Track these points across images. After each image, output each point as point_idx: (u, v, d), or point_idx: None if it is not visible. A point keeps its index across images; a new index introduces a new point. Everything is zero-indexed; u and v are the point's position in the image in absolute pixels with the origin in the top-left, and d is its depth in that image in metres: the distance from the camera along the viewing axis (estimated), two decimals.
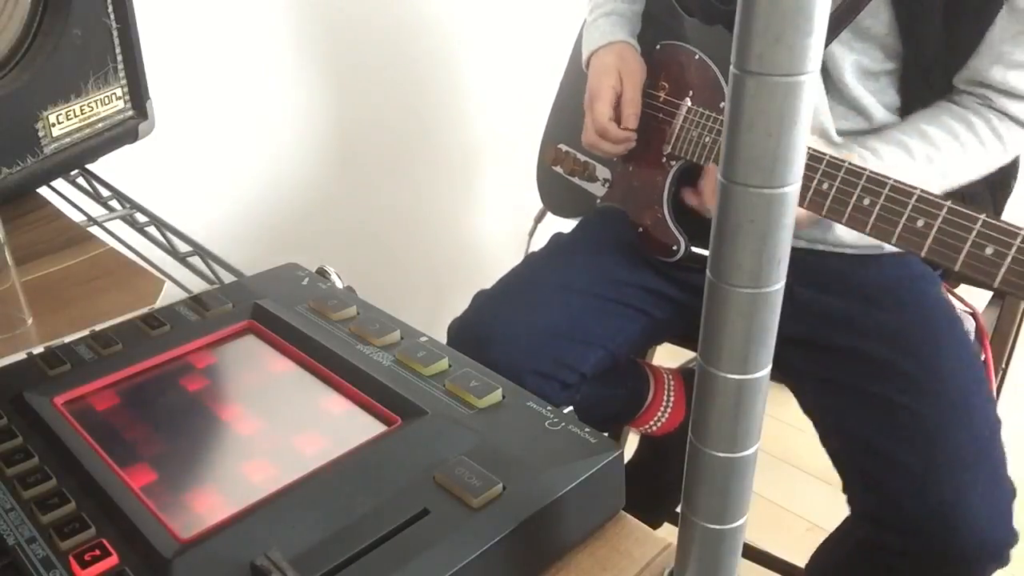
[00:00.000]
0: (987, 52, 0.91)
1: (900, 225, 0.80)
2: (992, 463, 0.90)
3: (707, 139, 1.01)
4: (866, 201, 0.82)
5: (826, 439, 1.01)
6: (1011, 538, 0.88)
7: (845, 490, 0.98)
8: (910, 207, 0.79)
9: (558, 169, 1.25)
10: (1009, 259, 0.73)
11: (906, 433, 0.91)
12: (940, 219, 0.77)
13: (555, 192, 1.30)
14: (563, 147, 1.24)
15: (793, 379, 1.04)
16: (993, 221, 0.75)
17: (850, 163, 0.84)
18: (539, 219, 1.45)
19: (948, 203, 0.77)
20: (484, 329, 1.04)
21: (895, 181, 0.81)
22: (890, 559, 0.92)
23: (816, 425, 1.03)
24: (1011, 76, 0.91)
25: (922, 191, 0.79)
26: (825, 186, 0.85)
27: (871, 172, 0.82)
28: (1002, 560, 0.88)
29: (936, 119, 0.95)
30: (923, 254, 0.79)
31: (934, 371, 0.93)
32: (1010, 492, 0.90)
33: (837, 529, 1.03)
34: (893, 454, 0.90)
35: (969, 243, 0.76)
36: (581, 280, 1.08)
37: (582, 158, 1.20)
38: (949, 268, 0.79)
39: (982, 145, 0.94)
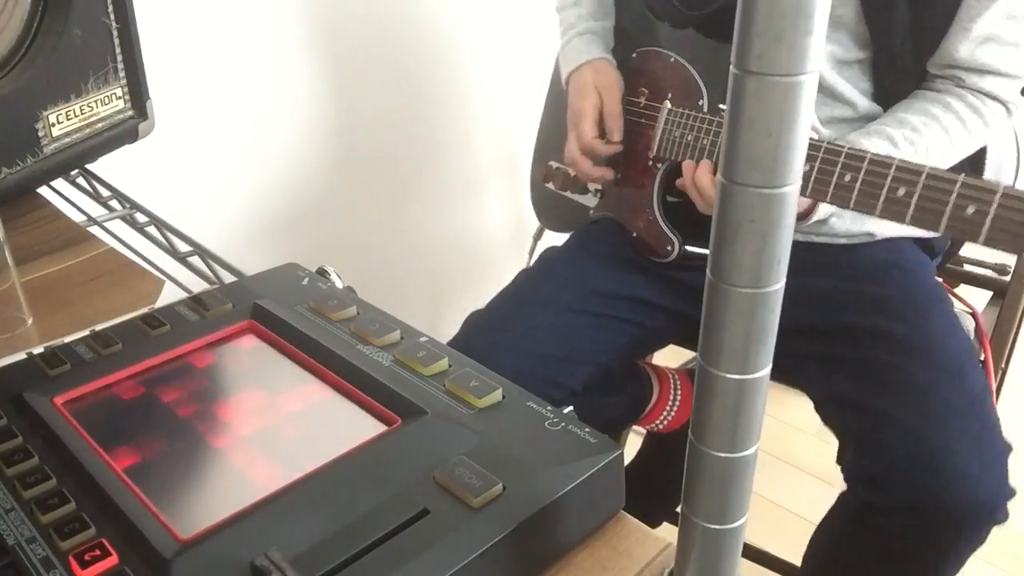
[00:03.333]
0: (955, 32, 0.93)
1: (882, 197, 0.82)
2: (983, 417, 0.90)
3: (689, 137, 1.02)
4: (847, 178, 0.84)
5: (821, 409, 1.02)
6: (1005, 492, 0.87)
7: (839, 460, 0.98)
8: (890, 177, 0.81)
9: (550, 186, 1.26)
10: (991, 216, 0.75)
11: (897, 390, 0.92)
12: (920, 185, 0.79)
13: (550, 208, 1.31)
14: (553, 164, 1.25)
15: (788, 361, 1.03)
16: (971, 181, 0.76)
17: (829, 142, 0.85)
18: (537, 236, 1.45)
19: (927, 168, 0.79)
20: (473, 354, 1.05)
21: (873, 155, 0.82)
22: (887, 522, 0.91)
23: (811, 397, 1.03)
24: (979, 52, 0.92)
25: (900, 160, 0.81)
26: (807, 167, 0.87)
27: (849, 149, 0.84)
28: (998, 516, 0.87)
29: (913, 106, 0.97)
30: (907, 222, 0.80)
31: (923, 334, 0.94)
32: (1004, 447, 0.89)
33: (832, 507, 1.03)
34: (884, 411, 0.91)
35: (951, 205, 0.77)
36: (568, 296, 1.09)
37: (572, 172, 1.20)
38: (933, 231, 0.80)
39: (962, 124, 0.95)
